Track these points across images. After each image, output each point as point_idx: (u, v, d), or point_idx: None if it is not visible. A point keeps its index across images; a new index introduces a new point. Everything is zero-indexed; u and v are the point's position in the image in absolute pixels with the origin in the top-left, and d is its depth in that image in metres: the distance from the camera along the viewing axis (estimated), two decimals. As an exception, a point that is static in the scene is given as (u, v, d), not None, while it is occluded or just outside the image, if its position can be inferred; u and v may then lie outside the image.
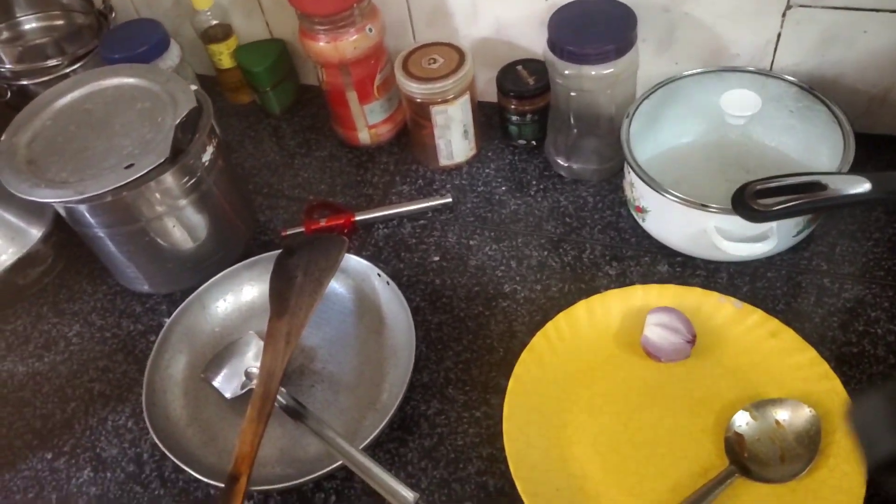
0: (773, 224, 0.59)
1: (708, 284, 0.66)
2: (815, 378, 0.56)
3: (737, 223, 0.56)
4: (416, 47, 0.77)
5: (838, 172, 0.47)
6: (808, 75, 0.72)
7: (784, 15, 0.69)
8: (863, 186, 0.46)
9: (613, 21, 0.68)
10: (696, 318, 0.60)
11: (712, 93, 0.68)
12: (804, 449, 0.52)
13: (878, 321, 0.61)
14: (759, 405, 0.55)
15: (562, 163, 0.77)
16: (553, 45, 0.68)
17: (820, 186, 0.45)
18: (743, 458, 0.53)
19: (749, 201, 0.46)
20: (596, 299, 0.62)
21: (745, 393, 0.57)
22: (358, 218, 0.76)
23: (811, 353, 0.57)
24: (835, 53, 0.70)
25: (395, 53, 0.78)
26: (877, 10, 0.65)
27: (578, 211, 0.74)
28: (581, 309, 0.62)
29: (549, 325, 0.61)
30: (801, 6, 0.67)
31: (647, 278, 0.67)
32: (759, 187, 0.46)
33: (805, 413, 0.54)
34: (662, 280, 0.67)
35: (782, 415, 0.54)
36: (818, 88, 0.69)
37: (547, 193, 0.76)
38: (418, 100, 0.75)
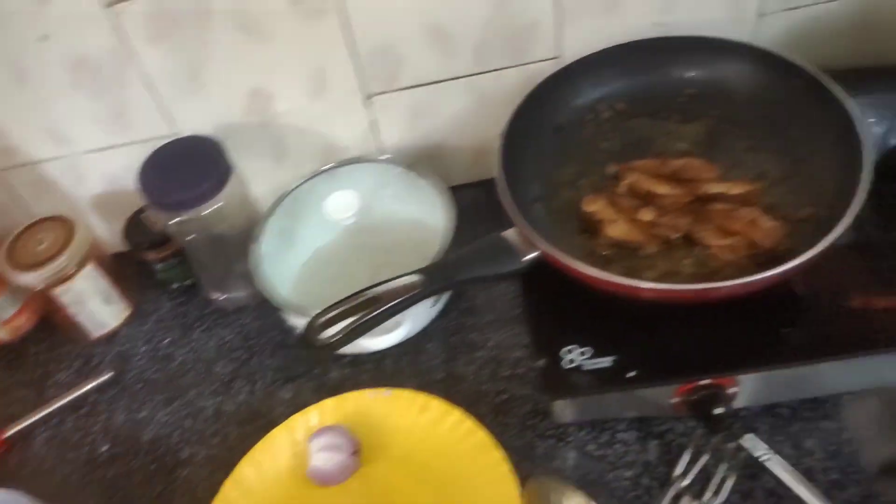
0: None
1: (378, 376, 0.67)
2: (463, 435, 0.58)
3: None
4: (19, 232, 0.71)
5: (390, 280, 0.49)
6: (416, 147, 0.77)
7: (367, 105, 0.73)
8: (413, 284, 0.49)
9: (203, 157, 0.67)
10: (357, 423, 0.61)
11: (324, 195, 0.70)
12: None
13: (520, 360, 0.66)
14: None
15: (218, 296, 0.75)
16: (150, 200, 0.66)
17: (376, 299, 0.48)
18: None
19: (313, 337, 0.47)
20: (257, 449, 0.60)
21: (420, 476, 0.58)
22: (10, 433, 0.68)
23: (456, 414, 0.59)
24: (428, 124, 0.76)
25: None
26: (440, 82, 0.72)
27: (245, 341, 0.73)
28: (246, 467, 0.60)
29: (217, 500, 0.58)
30: (377, 95, 0.72)
31: (321, 390, 0.67)
32: (319, 321, 0.47)
33: None
34: (336, 387, 0.67)
35: None
36: (426, 157, 0.74)
37: (212, 332, 0.74)
38: (39, 288, 0.69)
